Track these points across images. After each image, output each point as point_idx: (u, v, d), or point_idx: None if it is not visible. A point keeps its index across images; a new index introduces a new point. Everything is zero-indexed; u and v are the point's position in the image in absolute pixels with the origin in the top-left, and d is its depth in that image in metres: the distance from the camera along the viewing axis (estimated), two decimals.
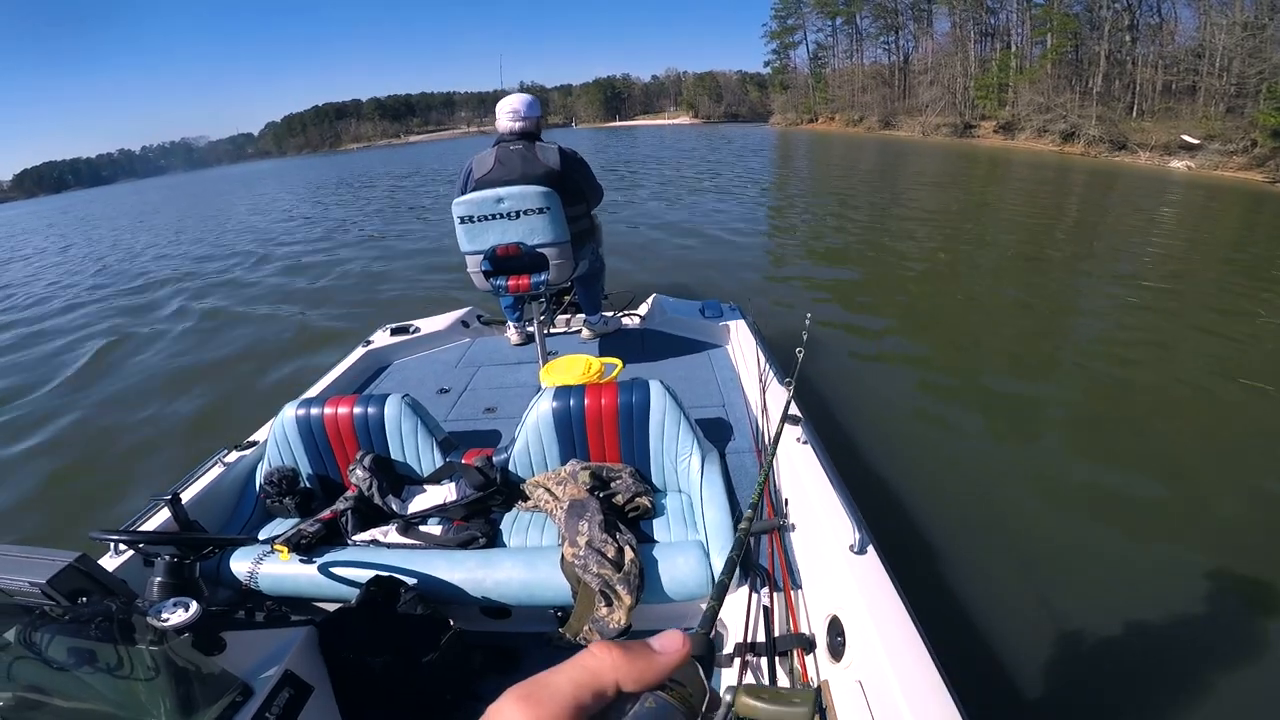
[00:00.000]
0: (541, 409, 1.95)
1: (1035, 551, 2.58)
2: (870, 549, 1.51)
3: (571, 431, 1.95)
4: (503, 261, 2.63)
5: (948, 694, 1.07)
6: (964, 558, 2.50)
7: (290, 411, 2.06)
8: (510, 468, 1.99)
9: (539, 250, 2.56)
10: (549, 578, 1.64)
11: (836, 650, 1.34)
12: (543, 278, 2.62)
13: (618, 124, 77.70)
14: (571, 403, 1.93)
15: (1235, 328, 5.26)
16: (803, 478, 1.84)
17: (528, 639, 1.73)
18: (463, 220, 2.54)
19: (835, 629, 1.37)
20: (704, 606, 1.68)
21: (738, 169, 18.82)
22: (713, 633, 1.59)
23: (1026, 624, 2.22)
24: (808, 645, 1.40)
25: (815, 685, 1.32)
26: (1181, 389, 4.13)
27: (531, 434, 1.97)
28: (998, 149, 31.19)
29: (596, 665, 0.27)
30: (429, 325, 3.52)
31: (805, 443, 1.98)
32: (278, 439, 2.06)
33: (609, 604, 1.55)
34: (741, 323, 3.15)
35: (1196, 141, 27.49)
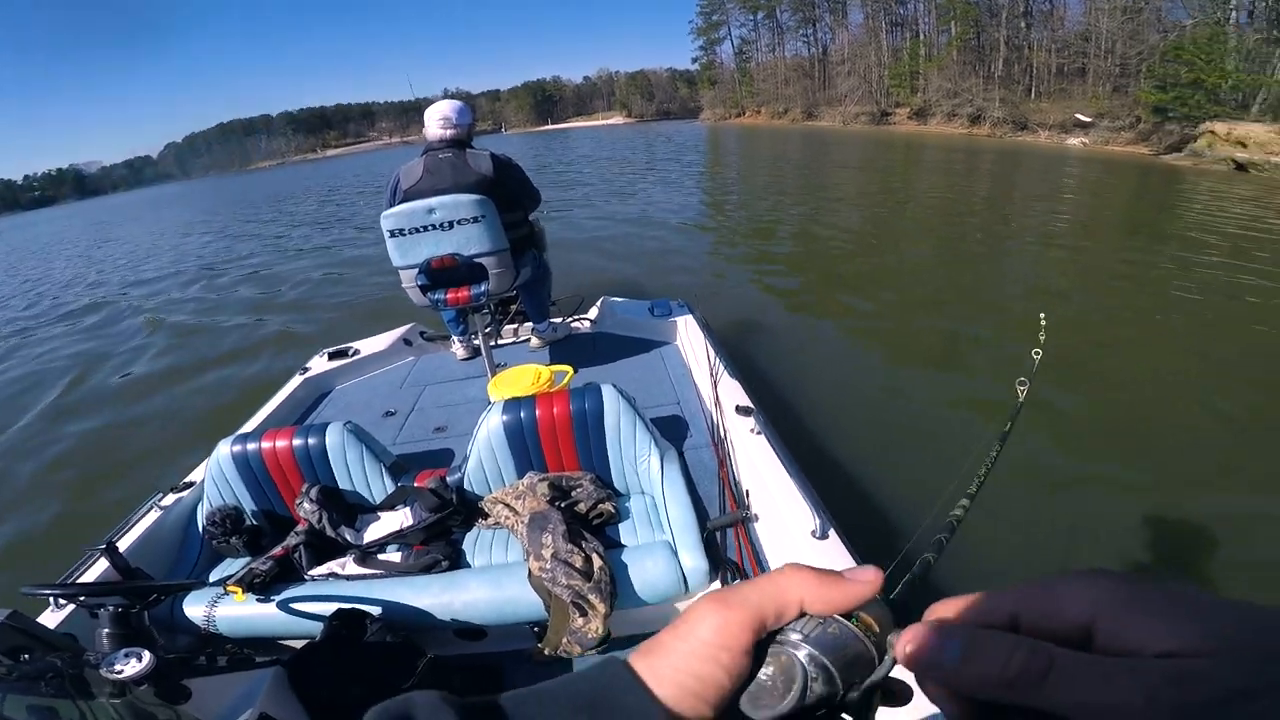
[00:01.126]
0: (492, 424, 1.91)
1: (991, 513, 2.67)
2: (831, 532, 1.56)
3: (525, 444, 1.91)
4: (439, 274, 2.56)
5: None
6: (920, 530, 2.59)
7: (225, 449, 1.95)
8: (466, 486, 1.95)
9: (477, 260, 2.50)
10: (519, 594, 1.61)
11: None
12: (483, 288, 2.57)
13: (550, 127, 76.83)
14: (523, 414, 1.90)
15: (1136, 275, 6.42)
16: (760, 468, 1.87)
17: (506, 657, 1.71)
18: (393, 234, 2.46)
19: None
20: (679, 607, 1.65)
21: (676, 165, 19.09)
22: None
23: (985, 578, 2.34)
24: None
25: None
26: (1108, 330, 4.91)
27: (484, 450, 1.92)
28: (913, 134, 32.77)
29: (786, 583, 0.27)
30: (369, 346, 3.38)
31: (759, 433, 2.01)
32: (215, 478, 1.95)
33: (584, 614, 1.54)
34: (690, 318, 3.17)
35: (1089, 120, 29.75)
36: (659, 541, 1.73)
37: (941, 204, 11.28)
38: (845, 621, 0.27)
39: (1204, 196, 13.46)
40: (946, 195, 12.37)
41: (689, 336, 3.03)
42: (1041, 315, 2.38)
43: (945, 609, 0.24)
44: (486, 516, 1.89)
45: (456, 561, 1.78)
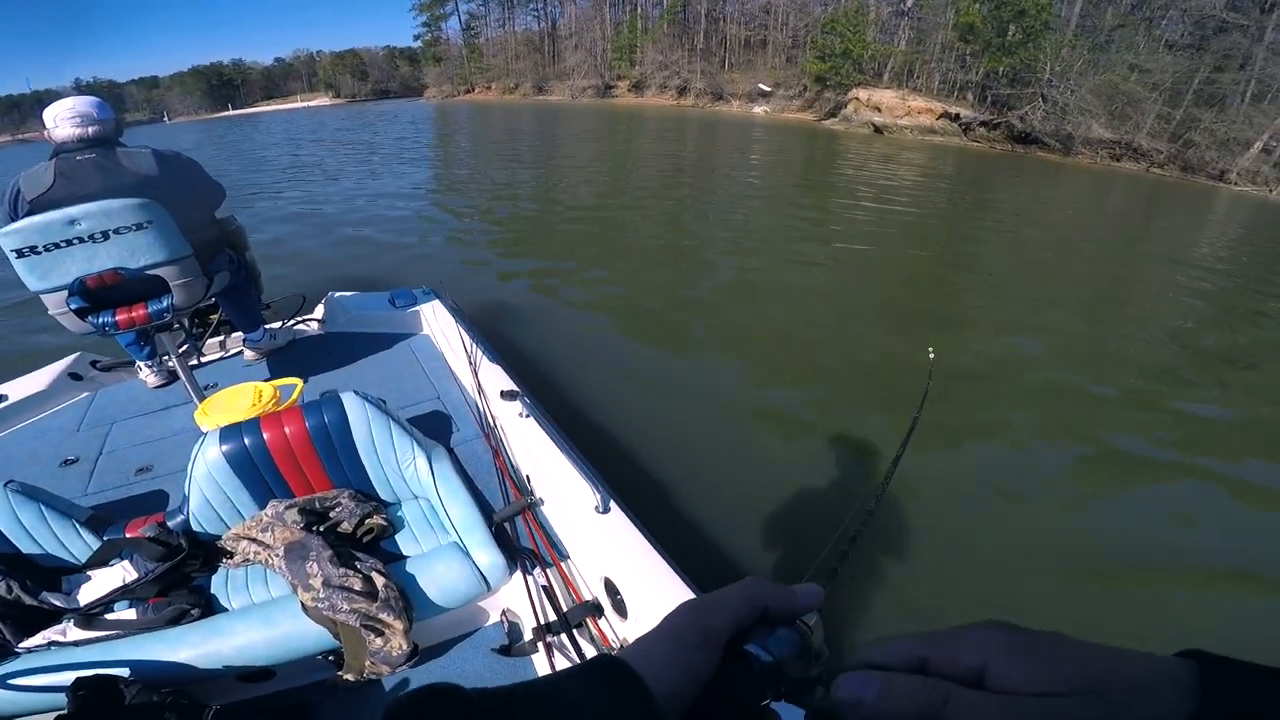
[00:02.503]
0: (209, 457, 1.65)
1: (744, 461, 3.02)
2: (613, 504, 1.59)
3: (258, 472, 1.69)
4: (100, 294, 2.14)
5: None
6: (694, 486, 2.77)
7: None
8: (195, 528, 1.69)
9: (150, 273, 2.17)
10: (298, 628, 1.46)
11: (620, 608, 1.40)
12: (165, 303, 2.22)
13: (232, 113, 63.96)
14: (247, 441, 1.66)
15: (812, 217, 8.39)
16: (535, 452, 1.85)
17: (308, 690, 1.56)
18: (20, 253, 1.99)
19: (611, 589, 1.43)
20: (484, 605, 1.58)
21: (404, 144, 17.70)
22: (506, 625, 1.48)
23: (755, 523, 2.59)
24: (597, 611, 1.44)
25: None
26: (800, 266, 6.15)
27: (206, 486, 1.66)
28: (632, 106, 35.42)
29: (753, 595, 0.33)
30: (22, 388, 2.65)
31: (527, 416, 1.97)
32: None
33: (380, 635, 1.46)
34: (438, 304, 3.00)
35: (769, 89, 35.28)
36: (446, 545, 1.64)
37: (660, 169, 12.66)
38: (792, 628, 0.33)
39: (854, 155, 17.43)
40: (663, 161, 13.89)
41: (439, 324, 2.88)
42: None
43: (872, 653, 0.29)
44: (232, 555, 1.66)
45: (210, 607, 1.60)
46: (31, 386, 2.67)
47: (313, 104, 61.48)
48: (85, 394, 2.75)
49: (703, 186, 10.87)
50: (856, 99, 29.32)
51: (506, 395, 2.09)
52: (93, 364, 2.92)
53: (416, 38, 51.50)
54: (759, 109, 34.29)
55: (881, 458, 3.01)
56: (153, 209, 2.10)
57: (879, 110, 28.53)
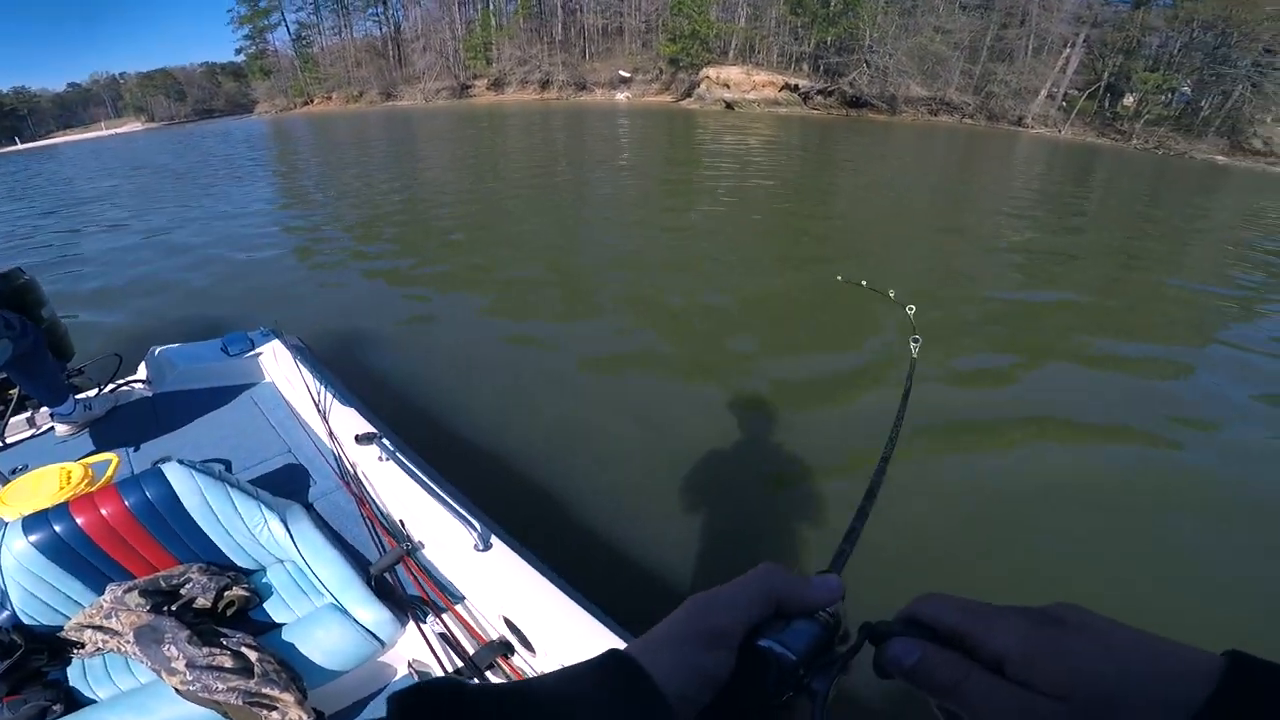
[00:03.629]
0: (15, 550, 1.48)
1: (609, 454, 2.97)
2: (493, 539, 1.54)
3: (82, 558, 1.53)
4: None
5: (626, 632, 1.22)
6: (571, 497, 2.67)
7: None
8: (27, 621, 1.51)
9: None
10: (177, 712, 1.35)
11: (527, 644, 1.36)
12: None
13: (21, 147, 54.13)
14: (59, 529, 1.50)
15: (677, 189, 9.13)
16: (403, 495, 1.76)
17: None
18: None
19: (512, 626, 1.38)
20: (386, 660, 1.51)
21: (234, 165, 15.85)
22: (415, 676, 1.41)
23: (659, 532, 2.48)
24: (507, 649, 1.39)
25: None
26: (671, 235, 6.63)
27: (23, 579, 1.50)
28: (493, 104, 34.51)
29: (765, 588, 0.32)
30: None
31: (387, 459, 1.86)
32: None
33: (273, 709, 1.37)
34: (278, 346, 2.75)
35: (629, 75, 35.74)
36: (322, 607, 1.55)
37: (531, 164, 12.49)
38: (811, 620, 0.31)
39: (711, 131, 18.21)
40: (533, 155, 13.73)
41: (282, 369, 2.65)
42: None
43: (921, 608, 0.32)
44: (82, 646, 1.55)
45: (73, 700, 1.44)
46: None
47: (123, 130, 53.65)
48: None
49: (577, 172, 11.00)
50: (708, 77, 30.52)
51: (363, 439, 1.97)
52: None
53: (239, 51, 47.03)
54: (621, 95, 34.67)
55: (807, 444, 3.00)
56: None
57: (728, 87, 29.89)
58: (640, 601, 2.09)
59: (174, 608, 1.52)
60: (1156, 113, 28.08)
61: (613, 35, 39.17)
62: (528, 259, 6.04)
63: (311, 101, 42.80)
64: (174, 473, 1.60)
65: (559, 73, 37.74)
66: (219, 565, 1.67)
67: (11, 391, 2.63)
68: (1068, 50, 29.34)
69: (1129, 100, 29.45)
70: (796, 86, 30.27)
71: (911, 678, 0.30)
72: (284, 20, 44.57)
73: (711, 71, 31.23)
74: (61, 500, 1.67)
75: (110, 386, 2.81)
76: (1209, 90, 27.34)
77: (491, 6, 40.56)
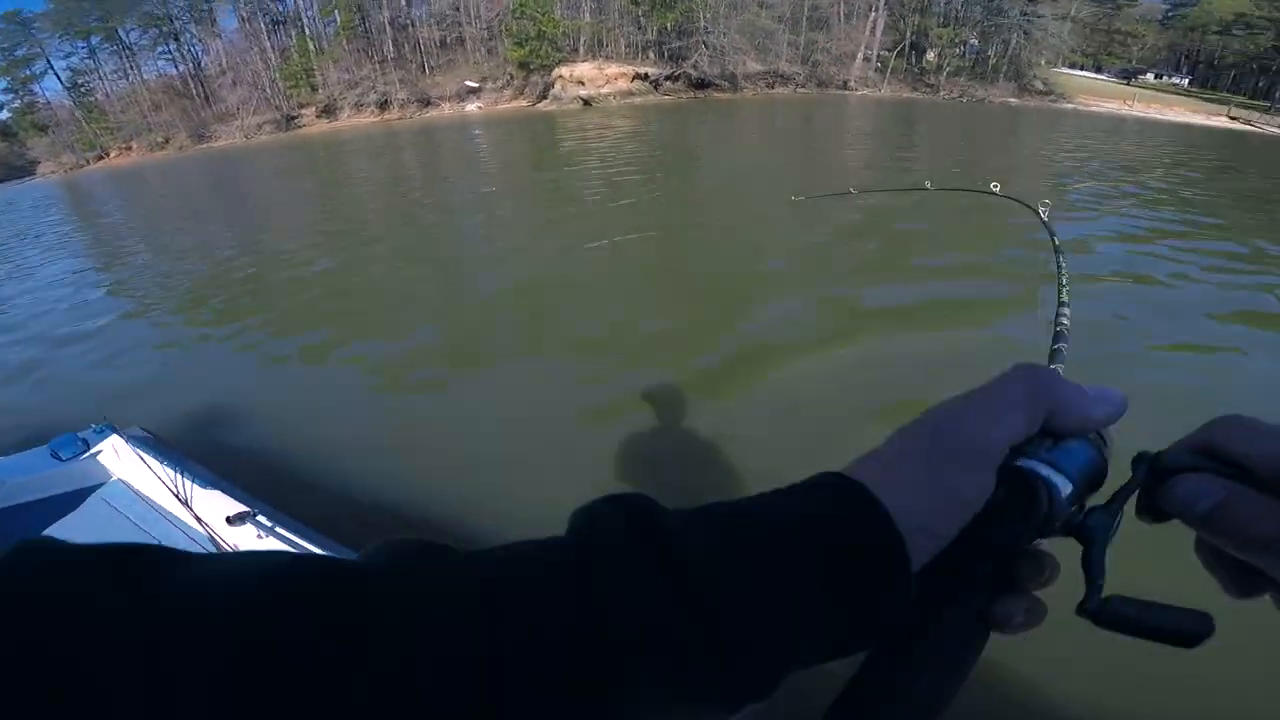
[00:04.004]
0: None
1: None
2: None
3: None
4: None
5: None
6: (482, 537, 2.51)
7: None
8: None
9: None
10: None
11: None
12: None
13: None
14: None
15: (544, 188, 8.94)
16: None
17: None
18: None
19: None
20: None
21: (24, 241, 13.45)
22: None
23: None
24: None
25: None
26: (544, 248, 6.25)
27: None
28: (328, 132, 32.17)
29: (1042, 388, 0.25)
30: None
31: (266, 536, 1.78)
32: None
33: None
34: (117, 441, 2.45)
35: (477, 85, 34.75)
36: None
37: (382, 192, 11.65)
38: (1083, 440, 0.25)
39: (572, 130, 18.05)
40: (383, 182, 12.83)
41: (128, 464, 2.41)
42: None
43: (1226, 436, 0.24)
44: None
45: None
46: None
47: None
48: None
49: (437, 193, 10.41)
50: (561, 76, 30.50)
51: (235, 520, 1.87)
52: None
53: (1, 107, 40.10)
54: (471, 106, 33.66)
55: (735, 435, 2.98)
56: None
57: (582, 84, 30.06)
58: None
59: None
60: (955, 64, 31.88)
61: (453, 47, 37.89)
62: (398, 308, 5.46)
63: (108, 155, 37.57)
64: None
65: (397, 91, 35.90)
66: None
67: None
68: (873, 14, 32.49)
69: (931, 56, 33.16)
70: (647, 75, 31.07)
71: (1208, 524, 0.23)
72: (51, 68, 38.66)
73: (564, 70, 31.19)
74: None
75: None
76: (992, 40, 31.50)
77: (308, 31, 37.83)
